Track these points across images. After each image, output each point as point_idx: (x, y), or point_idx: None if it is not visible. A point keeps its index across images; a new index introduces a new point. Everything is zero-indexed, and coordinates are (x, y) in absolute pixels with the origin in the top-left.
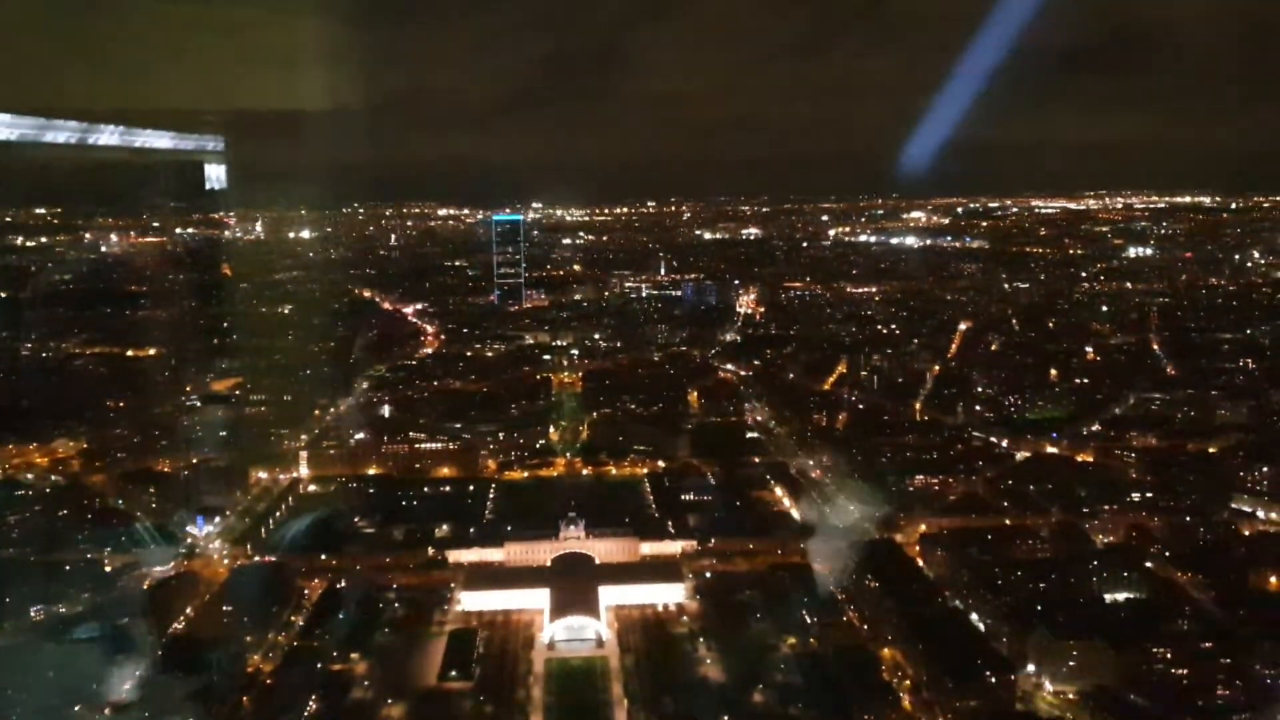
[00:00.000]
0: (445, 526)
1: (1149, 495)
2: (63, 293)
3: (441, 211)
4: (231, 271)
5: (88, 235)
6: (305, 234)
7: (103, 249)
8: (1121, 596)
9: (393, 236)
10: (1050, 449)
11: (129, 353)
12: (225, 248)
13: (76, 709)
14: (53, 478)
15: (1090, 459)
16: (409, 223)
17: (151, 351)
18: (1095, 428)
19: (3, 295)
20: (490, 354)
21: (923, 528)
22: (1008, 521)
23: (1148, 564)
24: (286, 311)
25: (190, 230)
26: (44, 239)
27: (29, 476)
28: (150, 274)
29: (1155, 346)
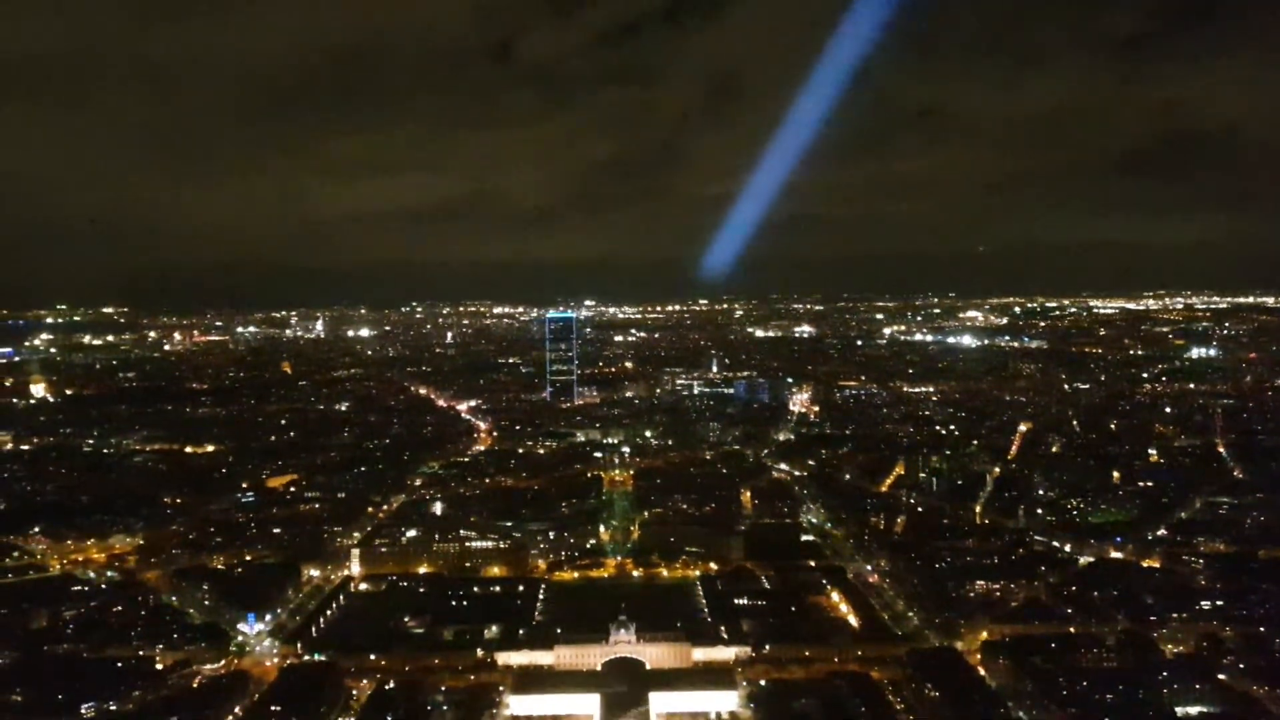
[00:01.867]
0: (495, 627)
1: (1220, 603)
2: (125, 390)
3: (496, 310)
4: (291, 369)
5: (152, 334)
6: (365, 332)
7: (165, 347)
8: (1194, 710)
9: (449, 334)
10: (1115, 554)
11: (188, 449)
12: (286, 346)
13: None
14: (109, 573)
15: (1157, 564)
16: (465, 321)
17: (210, 448)
18: (1161, 532)
19: (69, 393)
20: (542, 451)
21: (984, 635)
22: (1072, 629)
23: (1220, 675)
24: (343, 409)
25: (251, 329)
26: (110, 337)
27: (88, 573)
28: (211, 371)
29: (1221, 449)
